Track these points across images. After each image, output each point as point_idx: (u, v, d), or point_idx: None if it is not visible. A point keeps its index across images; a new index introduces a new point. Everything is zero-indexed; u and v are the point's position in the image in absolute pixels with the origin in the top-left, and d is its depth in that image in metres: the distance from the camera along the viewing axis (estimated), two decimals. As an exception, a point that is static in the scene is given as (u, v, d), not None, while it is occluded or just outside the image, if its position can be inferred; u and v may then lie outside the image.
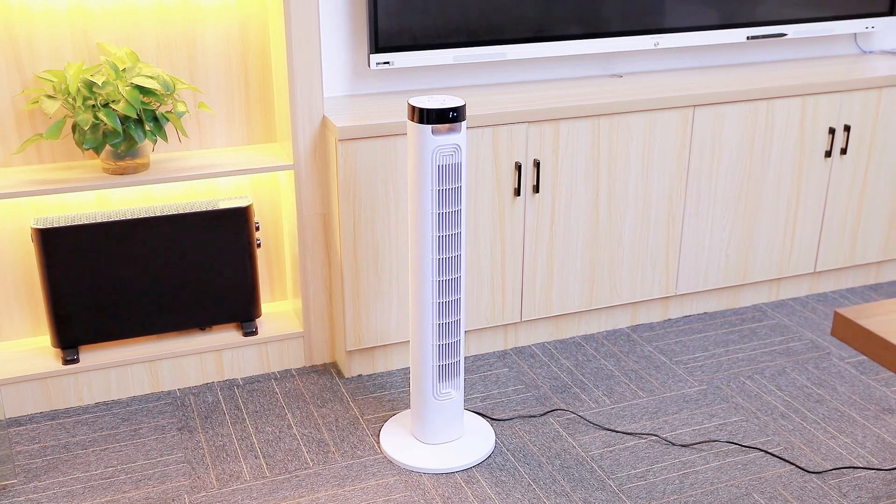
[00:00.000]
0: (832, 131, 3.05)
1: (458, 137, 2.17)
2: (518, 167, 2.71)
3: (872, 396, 2.69)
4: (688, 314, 3.18)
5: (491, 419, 2.58)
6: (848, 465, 2.38)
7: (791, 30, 3.18)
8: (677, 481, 2.32)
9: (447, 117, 2.14)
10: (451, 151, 2.17)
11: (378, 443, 2.48)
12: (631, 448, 2.45)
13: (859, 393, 2.71)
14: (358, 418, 2.59)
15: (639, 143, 2.83)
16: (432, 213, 2.21)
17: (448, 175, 2.19)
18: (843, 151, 3.10)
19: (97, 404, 2.66)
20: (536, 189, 2.75)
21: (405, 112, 2.64)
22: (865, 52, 3.45)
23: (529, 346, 2.98)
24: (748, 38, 3.13)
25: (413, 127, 2.16)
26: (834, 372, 2.82)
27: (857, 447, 2.45)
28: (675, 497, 2.26)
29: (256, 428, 2.55)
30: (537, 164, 2.72)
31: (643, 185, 2.89)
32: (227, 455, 2.43)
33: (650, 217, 2.93)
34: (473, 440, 2.46)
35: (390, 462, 2.40)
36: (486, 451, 2.42)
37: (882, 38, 3.48)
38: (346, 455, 2.43)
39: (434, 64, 2.80)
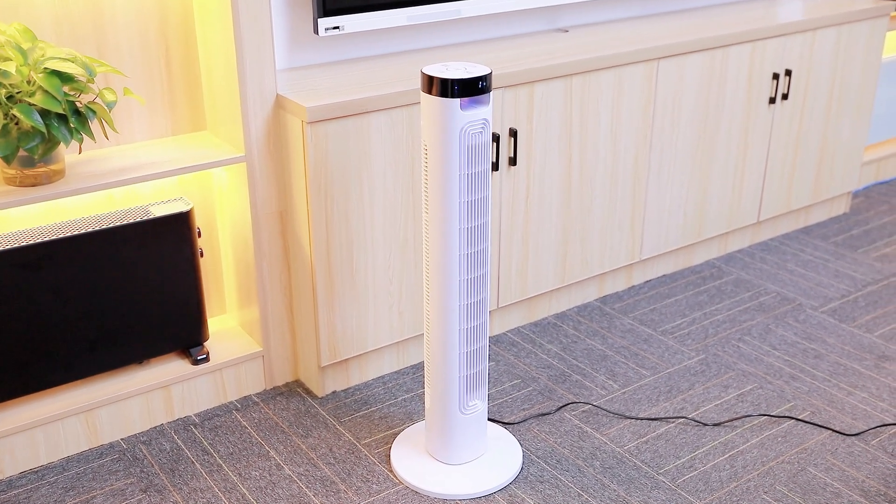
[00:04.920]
0: (776, 76, 2.97)
1: (486, 111, 1.84)
2: (496, 139, 2.41)
3: (862, 344, 2.64)
4: (649, 279, 3.02)
5: (504, 424, 2.30)
6: (878, 422, 2.30)
7: (724, -27, 3.05)
8: (728, 466, 2.15)
9: (476, 88, 1.81)
10: (479, 128, 1.84)
11: (391, 470, 2.13)
12: (664, 435, 2.26)
13: (849, 342, 2.66)
14: (354, 444, 2.23)
15: (608, 101, 2.61)
16: (460, 201, 1.87)
17: (476, 156, 1.86)
18: (785, 97, 3.03)
19: (23, 474, 2.12)
20: (513, 161, 2.46)
21: (370, 85, 2.26)
22: (777, -7, 3.39)
23: (505, 333, 2.71)
24: (687, -17, 2.98)
25: (434, 102, 1.81)
26: (815, 323, 2.76)
27: (876, 401, 2.39)
28: (735, 484, 2.09)
29: (240, 474, 2.12)
30: (514, 134, 2.44)
31: (611, 146, 2.67)
32: (217, 515, 2.00)
33: (618, 180, 2.73)
34: (499, 453, 2.17)
35: (415, 492, 2.07)
36: (517, 463, 2.14)
37: (789, -21, 3.44)
38: (360, 492, 2.07)
39: (384, 27, 2.42)
